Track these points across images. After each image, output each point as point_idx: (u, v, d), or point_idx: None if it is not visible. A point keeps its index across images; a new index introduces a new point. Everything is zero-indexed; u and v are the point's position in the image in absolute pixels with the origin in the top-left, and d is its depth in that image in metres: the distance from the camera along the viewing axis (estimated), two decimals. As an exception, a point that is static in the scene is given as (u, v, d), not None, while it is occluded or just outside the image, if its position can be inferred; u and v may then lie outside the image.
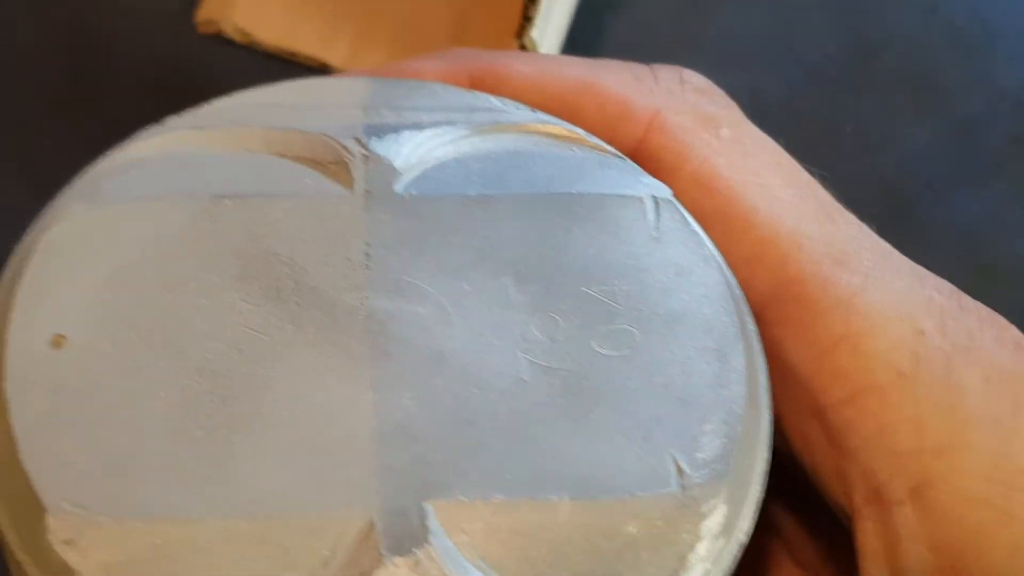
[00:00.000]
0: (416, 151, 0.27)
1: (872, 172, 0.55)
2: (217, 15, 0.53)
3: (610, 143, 0.28)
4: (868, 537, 0.26)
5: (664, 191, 0.27)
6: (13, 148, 0.51)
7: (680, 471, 0.23)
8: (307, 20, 0.53)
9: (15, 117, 0.52)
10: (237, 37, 0.53)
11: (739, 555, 0.24)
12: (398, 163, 0.27)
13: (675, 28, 0.56)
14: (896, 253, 0.28)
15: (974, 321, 0.27)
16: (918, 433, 0.26)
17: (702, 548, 0.23)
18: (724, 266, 0.27)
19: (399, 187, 0.26)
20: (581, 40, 0.54)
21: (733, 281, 0.27)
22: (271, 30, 0.53)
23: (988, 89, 0.56)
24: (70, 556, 0.22)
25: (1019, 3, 0.58)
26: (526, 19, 0.45)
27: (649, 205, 0.27)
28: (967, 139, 0.55)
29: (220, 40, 0.53)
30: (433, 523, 0.22)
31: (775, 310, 0.27)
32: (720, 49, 0.56)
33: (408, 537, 0.22)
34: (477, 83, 0.29)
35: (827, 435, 0.27)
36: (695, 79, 0.30)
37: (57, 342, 0.24)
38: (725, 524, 0.23)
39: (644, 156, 0.29)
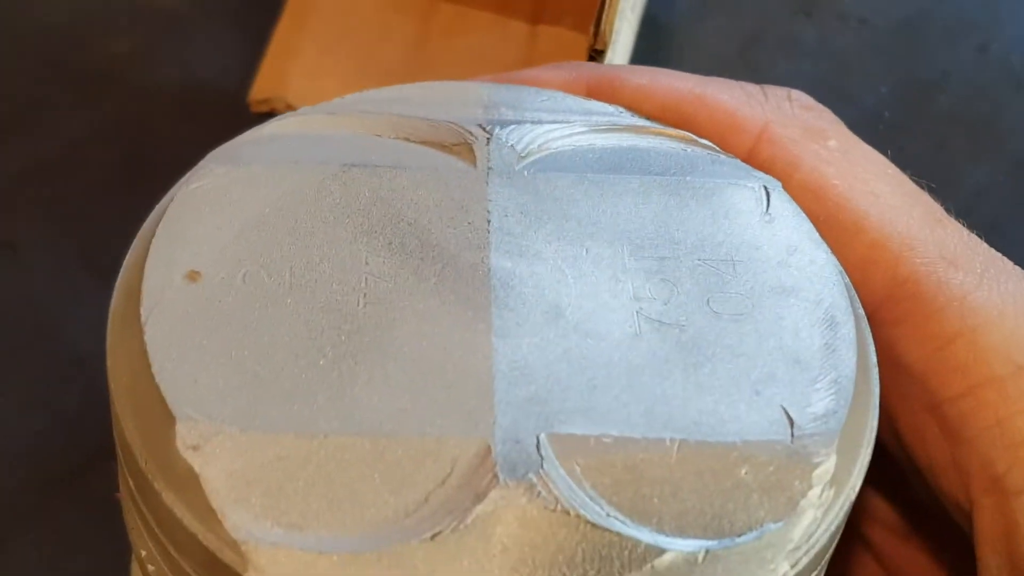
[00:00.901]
0: (536, 140, 0.28)
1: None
2: (270, 94, 0.54)
3: None
4: (986, 526, 0.26)
5: (774, 183, 0.28)
6: (70, 230, 0.52)
7: (791, 422, 0.24)
8: (361, 94, 0.54)
9: (72, 202, 0.52)
10: (291, 114, 0.53)
11: (848, 511, 0.25)
12: (519, 147, 0.28)
13: (727, 77, 0.56)
14: (1005, 258, 0.29)
15: None
16: None
17: (813, 495, 0.23)
18: (831, 252, 0.27)
19: (520, 167, 0.28)
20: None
21: (841, 268, 0.27)
22: (325, 105, 0.54)
23: (1047, 126, 0.55)
24: (195, 461, 0.22)
25: (1072, 37, 0.58)
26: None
27: (760, 192, 0.28)
28: (1028, 177, 0.54)
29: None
30: (548, 452, 0.23)
31: (889, 310, 0.28)
32: (773, 99, 0.55)
33: (523, 463, 0.23)
34: (593, 93, 0.30)
35: (944, 429, 0.27)
36: (803, 97, 0.31)
37: (192, 276, 0.25)
38: (835, 475, 0.24)
39: (754, 166, 0.29)
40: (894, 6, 0.58)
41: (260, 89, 0.54)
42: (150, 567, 0.25)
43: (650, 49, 0.55)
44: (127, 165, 0.53)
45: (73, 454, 0.46)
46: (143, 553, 0.25)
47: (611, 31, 0.41)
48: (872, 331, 0.27)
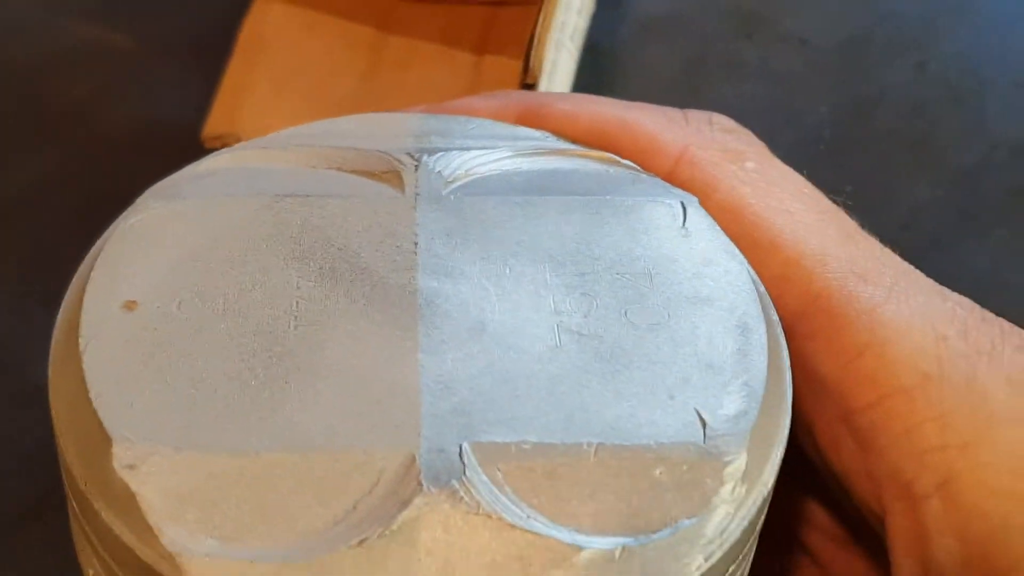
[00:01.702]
0: (463, 166, 0.29)
1: (876, 231, 0.56)
2: (223, 130, 0.54)
3: None
4: (898, 532, 0.27)
5: (691, 199, 0.29)
6: (31, 271, 0.52)
7: (704, 424, 0.25)
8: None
9: (33, 243, 0.53)
10: (243, 150, 0.54)
11: (762, 507, 0.26)
12: (446, 173, 0.29)
13: (670, 101, 0.57)
14: (918, 272, 0.30)
15: (996, 331, 0.28)
16: (943, 431, 0.27)
17: (725, 492, 0.24)
18: (746, 262, 0.28)
19: (446, 192, 0.29)
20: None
21: (756, 278, 0.28)
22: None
23: (983, 140, 0.56)
24: (132, 480, 0.23)
25: (1010, 53, 0.59)
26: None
27: (678, 208, 0.29)
28: (966, 192, 0.55)
29: (227, 154, 0.54)
30: (470, 459, 0.24)
31: (803, 324, 0.29)
32: (716, 120, 0.57)
33: (446, 471, 0.24)
34: (522, 120, 0.32)
35: (856, 439, 0.28)
36: (723, 121, 0.32)
37: (129, 306, 0.26)
38: (747, 472, 0.25)
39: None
40: (834, 26, 0.59)
41: (213, 126, 0.55)
42: None
43: (594, 76, 0.56)
44: (88, 205, 0.54)
45: (32, 490, 0.47)
46: (90, 572, 0.26)
47: (540, 65, 0.43)
48: (789, 345, 0.28)
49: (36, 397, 0.48)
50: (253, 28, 0.57)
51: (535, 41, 0.43)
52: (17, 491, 0.47)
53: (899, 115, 0.57)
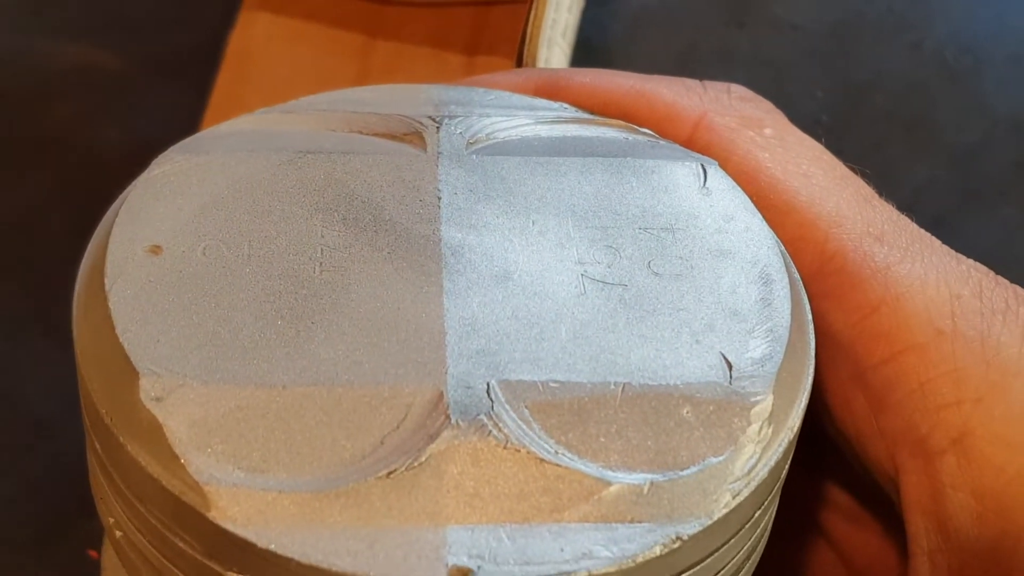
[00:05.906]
0: (483, 130, 0.30)
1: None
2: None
3: None
4: (912, 489, 0.27)
5: (711, 161, 0.30)
6: (27, 296, 0.52)
7: (730, 366, 0.25)
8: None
9: (28, 268, 0.53)
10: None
11: (788, 451, 0.26)
12: (467, 135, 0.30)
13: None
14: (933, 237, 0.30)
15: (1010, 293, 0.28)
16: (957, 386, 0.27)
17: (752, 431, 0.25)
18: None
19: (468, 152, 0.29)
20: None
21: (776, 236, 0.29)
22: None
23: (983, 117, 0.56)
24: (159, 412, 0.24)
25: (1005, 28, 0.58)
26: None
27: (698, 169, 0.29)
28: (968, 170, 0.55)
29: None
30: (498, 396, 0.24)
31: (818, 284, 0.29)
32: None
33: (474, 406, 0.24)
34: (540, 93, 0.32)
35: (869, 397, 0.28)
36: (741, 90, 0.33)
37: (154, 250, 0.27)
38: (773, 414, 0.25)
39: None
40: (826, 10, 0.59)
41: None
42: (118, 533, 0.26)
43: (587, 72, 0.56)
44: (80, 228, 0.53)
45: (41, 518, 0.47)
46: (111, 520, 0.26)
47: (533, 63, 0.42)
48: None
49: (39, 424, 0.48)
50: (240, 41, 0.56)
51: (526, 39, 0.42)
52: (27, 520, 0.47)
53: (896, 96, 0.56)
